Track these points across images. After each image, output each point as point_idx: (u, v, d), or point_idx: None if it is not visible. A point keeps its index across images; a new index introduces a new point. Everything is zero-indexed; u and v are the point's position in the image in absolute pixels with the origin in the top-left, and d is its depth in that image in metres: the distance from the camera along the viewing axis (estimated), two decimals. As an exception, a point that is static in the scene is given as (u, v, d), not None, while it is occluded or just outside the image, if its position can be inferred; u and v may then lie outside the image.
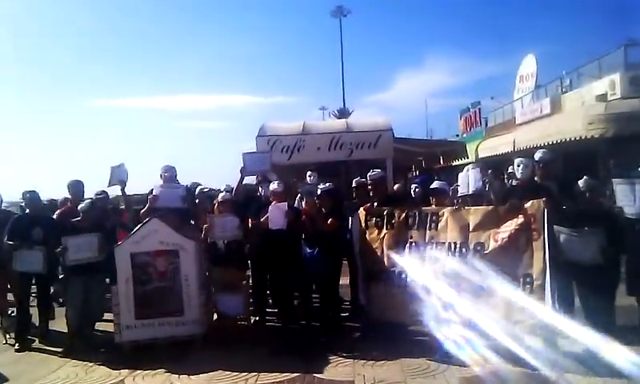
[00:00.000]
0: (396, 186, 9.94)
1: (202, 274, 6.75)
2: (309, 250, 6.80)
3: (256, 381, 5.46)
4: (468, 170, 7.13)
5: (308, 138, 13.89)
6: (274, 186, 7.04)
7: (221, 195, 7.28)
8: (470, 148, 23.40)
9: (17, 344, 6.89)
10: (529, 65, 24.16)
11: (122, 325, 6.44)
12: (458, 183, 7.23)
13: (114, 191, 8.24)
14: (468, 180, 7.06)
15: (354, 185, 7.70)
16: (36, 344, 7.03)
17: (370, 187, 6.94)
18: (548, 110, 19.20)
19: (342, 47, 43.80)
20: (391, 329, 6.45)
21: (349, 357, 5.98)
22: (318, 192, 6.87)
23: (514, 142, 18.62)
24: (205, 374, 5.68)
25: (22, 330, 6.98)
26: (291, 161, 13.74)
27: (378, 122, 14.52)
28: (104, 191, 8.20)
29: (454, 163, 17.96)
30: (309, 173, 9.09)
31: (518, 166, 6.26)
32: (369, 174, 7.01)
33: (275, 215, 6.71)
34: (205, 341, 6.51)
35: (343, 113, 49.86)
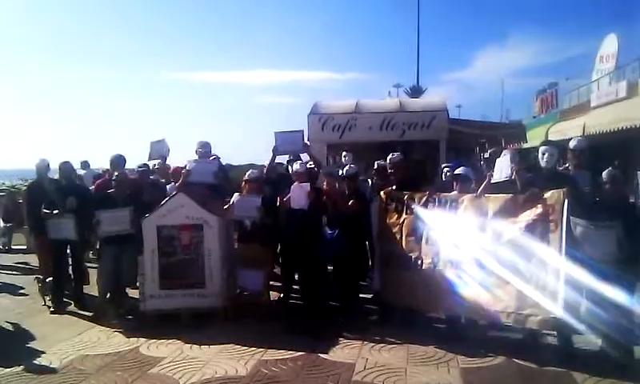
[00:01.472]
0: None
1: (225, 248, 6.92)
2: (329, 231, 6.84)
3: (262, 356, 5.57)
4: (503, 156, 6.91)
5: (360, 117, 13.79)
6: (296, 166, 7.08)
7: (247, 173, 7.39)
8: (541, 131, 22.51)
9: (52, 306, 7.36)
10: (610, 45, 22.70)
11: (146, 294, 6.73)
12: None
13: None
14: (502, 166, 6.86)
15: (375, 167, 7.61)
16: (71, 307, 7.47)
17: (390, 170, 6.84)
18: (624, 94, 18.06)
19: (418, 23, 42.56)
20: (408, 314, 6.40)
21: (358, 339, 5.99)
22: (340, 173, 6.87)
23: (583, 127, 17.69)
24: (216, 346, 5.86)
25: (57, 293, 7.42)
26: (342, 139, 13.71)
27: (433, 101, 14.20)
28: (145, 164, 8.55)
29: (525, 146, 17.37)
30: (344, 153, 9.08)
31: (543, 154, 5.97)
32: (389, 156, 6.91)
33: (297, 195, 6.77)
34: (225, 314, 6.70)
35: (416, 90, 48.93)
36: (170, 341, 6.05)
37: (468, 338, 5.88)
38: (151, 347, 5.92)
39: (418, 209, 6.35)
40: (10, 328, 6.75)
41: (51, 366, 5.45)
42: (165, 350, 5.84)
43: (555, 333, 5.62)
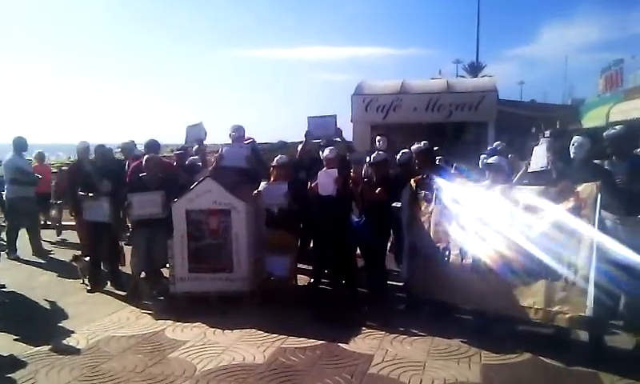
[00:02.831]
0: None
1: (253, 234, 6.93)
2: (356, 219, 6.75)
3: (282, 344, 5.57)
4: (541, 144, 6.64)
5: (405, 97, 13.63)
6: (326, 152, 6.98)
7: (275, 159, 7.35)
8: (603, 111, 21.49)
9: (89, 286, 7.60)
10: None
11: (176, 276, 6.84)
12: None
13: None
14: (539, 155, 6.60)
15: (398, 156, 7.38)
16: (108, 287, 7.69)
17: (416, 161, 6.66)
18: (693, 73, 16.97)
19: (478, -4, 41.03)
20: (437, 306, 6.25)
21: (382, 329, 5.89)
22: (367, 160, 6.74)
23: (647, 108, 16.71)
24: (238, 331, 5.91)
25: (94, 273, 7.66)
26: (387, 120, 13.57)
27: (481, 82, 13.85)
28: (184, 147, 8.66)
29: (587, 125, 16.71)
30: (378, 138, 8.89)
31: (573, 144, 5.66)
32: (413, 147, 6.73)
33: (324, 181, 6.69)
34: (252, 298, 6.73)
35: (475, 67, 47.67)
36: (195, 324, 6.13)
37: (495, 332, 5.67)
38: (176, 330, 6.02)
39: (447, 199, 6.16)
40: (47, 306, 7.02)
41: (77, 346, 5.61)
42: (189, 333, 5.92)
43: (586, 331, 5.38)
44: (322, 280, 7.45)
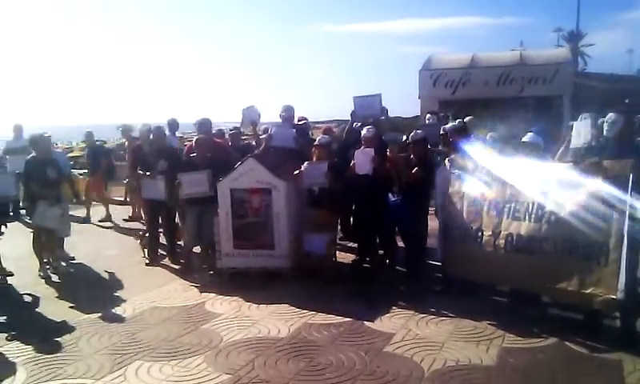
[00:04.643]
0: None
1: (294, 212, 7.14)
2: (393, 198, 6.77)
3: (309, 320, 5.76)
4: (584, 119, 6.35)
5: (475, 71, 13.29)
6: (364, 131, 7.01)
7: (318, 139, 7.47)
8: None
9: (147, 259, 8.17)
10: None
11: (222, 252, 7.20)
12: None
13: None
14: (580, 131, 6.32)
15: (441, 131, 7.24)
16: (165, 261, 8.19)
17: (449, 139, 6.55)
18: None
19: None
20: (472, 286, 6.19)
21: (411, 309, 5.93)
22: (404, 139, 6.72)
23: None
24: (272, 305, 6.15)
25: (152, 247, 8.22)
26: (455, 96, 13.29)
27: (556, 53, 13.23)
28: (236, 127, 8.99)
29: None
30: (428, 115, 8.77)
31: (606, 122, 5.37)
32: (446, 126, 6.60)
33: (361, 160, 6.74)
34: (292, 275, 6.95)
35: (574, 35, 45.10)
36: (234, 298, 6.44)
37: (526, 315, 5.58)
38: (215, 304, 6.36)
39: (479, 178, 6.05)
40: (106, 277, 7.63)
41: (124, 315, 6.10)
42: (226, 307, 6.25)
43: (619, 316, 5.17)
44: (367, 258, 7.53)
